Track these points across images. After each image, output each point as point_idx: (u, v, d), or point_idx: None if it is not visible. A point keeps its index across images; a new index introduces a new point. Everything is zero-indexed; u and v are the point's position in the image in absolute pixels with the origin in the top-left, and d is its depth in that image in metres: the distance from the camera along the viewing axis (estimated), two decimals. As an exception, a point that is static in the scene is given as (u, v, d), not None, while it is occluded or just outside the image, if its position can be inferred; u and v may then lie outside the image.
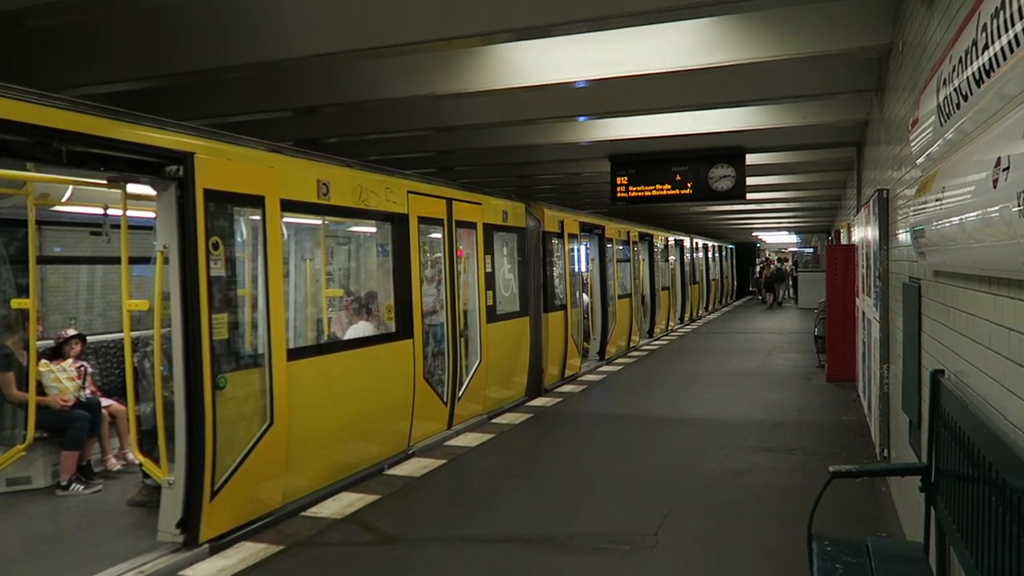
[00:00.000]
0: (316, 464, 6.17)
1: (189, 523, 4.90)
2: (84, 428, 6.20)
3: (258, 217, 5.57)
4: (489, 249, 9.47)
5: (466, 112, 9.26)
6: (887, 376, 6.37)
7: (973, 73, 2.34)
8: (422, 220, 7.89)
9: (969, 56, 2.40)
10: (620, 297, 15.63)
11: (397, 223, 7.49)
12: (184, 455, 4.89)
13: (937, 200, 2.90)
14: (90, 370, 6.71)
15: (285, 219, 7.11)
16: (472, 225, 9.05)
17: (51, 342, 6.71)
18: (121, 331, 5.69)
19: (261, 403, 5.46)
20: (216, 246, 5.08)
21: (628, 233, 16.68)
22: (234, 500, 5.17)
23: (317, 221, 7.99)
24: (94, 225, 6.56)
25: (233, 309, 5.26)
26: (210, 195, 5.03)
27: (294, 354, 5.92)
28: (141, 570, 4.54)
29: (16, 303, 6.20)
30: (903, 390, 5.01)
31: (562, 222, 12.14)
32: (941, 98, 2.92)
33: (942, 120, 2.94)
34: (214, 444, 4.96)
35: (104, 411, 6.56)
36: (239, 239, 5.44)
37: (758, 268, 40.00)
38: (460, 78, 7.45)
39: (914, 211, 3.57)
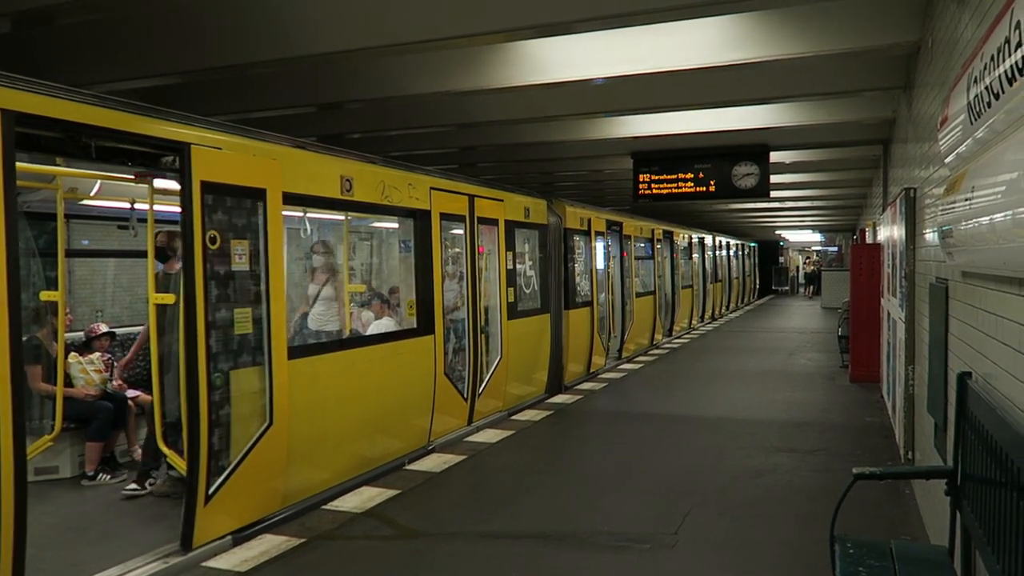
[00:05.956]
0: (336, 459, 6.21)
1: (183, 527, 4.78)
2: (109, 420, 6.29)
3: (259, 211, 5.37)
4: (511, 246, 9.47)
5: (488, 109, 9.27)
6: (912, 377, 6.29)
7: (1005, 71, 2.30)
8: (444, 216, 7.91)
9: (1001, 54, 2.36)
10: (639, 295, 15.56)
11: (419, 219, 7.51)
12: (186, 455, 4.82)
13: (966, 200, 2.86)
14: (116, 363, 6.81)
15: (310, 214, 7.16)
16: (494, 222, 9.05)
17: (80, 334, 6.83)
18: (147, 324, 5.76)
19: (259, 403, 5.30)
20: (213, 240, 4.95)
21: (648, 230, 16.60)
22: (229, 504, 5.03)
23: (324, 215, 7.94)
24: (121, 219, 6.65)
25: (230, 305, 5.08)
26: (207, 187, 4.86)
27: (310, 350, 5.89)
28: (166, 560, 4.61)
29: (45, 295, 6.29)
30: (929, 392, 4.95)
31: (583, 219, 12.11)
32: (971, 96, 2.87)
33: (972, 119, 2.89)
34: (209, 444, 4.85)
35: (131, 403, 6.65)
36: (238, 233, 5.22)
37: (800, 267, 44.77)
38: (483, 75, 7.46)
39: (942, 211, 3.52)
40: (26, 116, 3.98)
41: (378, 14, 5.97)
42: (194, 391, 4.79)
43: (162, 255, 5.88)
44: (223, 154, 5.11)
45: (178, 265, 5.83)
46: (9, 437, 3.82)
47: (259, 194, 5.37)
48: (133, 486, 5.88)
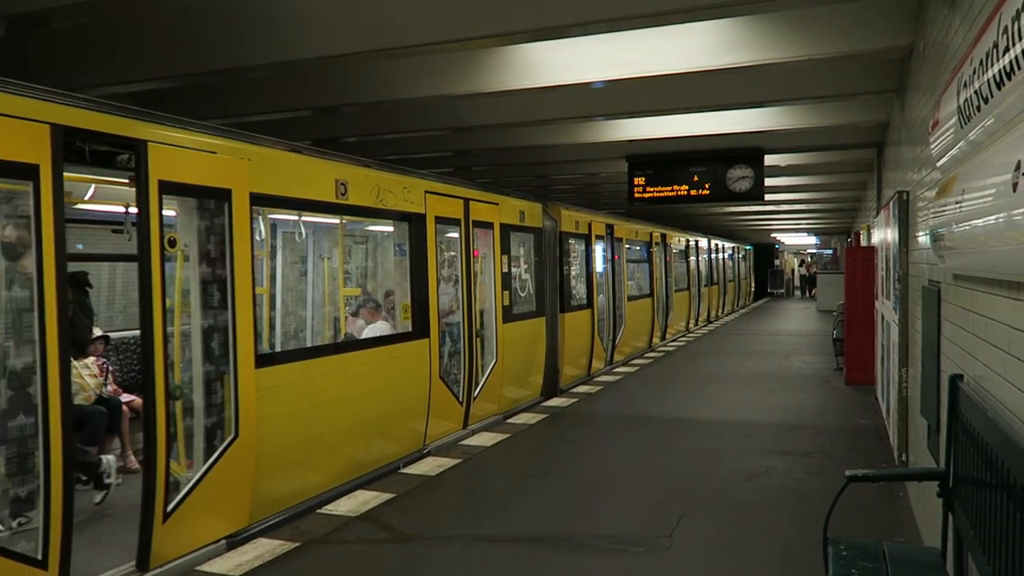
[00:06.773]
0: (330, 463, 6.20)
1: (139, 547, 4.53)
2: (102, 424, 6.26)
3: (224, 212, 5.12)
4: (506, 249, 9.48)
5: (484, 112, 9.28)
6: (906, 380, 6.31)
7: (994, 76, 2.32)
8: (439, 220, 7.91)
9: (990, 58, 2.38)
10: (634, 298, 15.55)
11: (414, 223, 7.52)
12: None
13: (957, 203, 2.88)
14: (111, 367, 6.80)
15: (305, 218, 7.16)
16: (489, 225, 9.06)
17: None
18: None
19: (224, 414, 5.10)
20: (172, 243, 4.75)
21: (643, 234, 16.61)
22: (190, 522, 4.78)
23: (320, 219, 7.91)
24: (115, 223, 6.63)
25: (192, 312, 4.88)
26: (166, 187, 4.63)
27: (296, 356, 5.81)
28: (160, 564, 4.59)
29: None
30: (922, 394, 4.97)
31: (578, 222, 12.14)
32: (962, 100, 2.89)
33: (962, 122, 2.91)
34: (167, 460, 4.62)
35: (125, 407, 6.64)
36: (201, 236, 5.02)
37: (795, 270, 46.38)
38: (478, 78, 7.47)
39: (934, 214, 3.55)
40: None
41: (373, 18, 5.97)
42: (150, 403, 4.56)
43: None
44: (184, 152, 4.83)
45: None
46: (59, 443, 3.91)
47: (224, 195, 5.10)
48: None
